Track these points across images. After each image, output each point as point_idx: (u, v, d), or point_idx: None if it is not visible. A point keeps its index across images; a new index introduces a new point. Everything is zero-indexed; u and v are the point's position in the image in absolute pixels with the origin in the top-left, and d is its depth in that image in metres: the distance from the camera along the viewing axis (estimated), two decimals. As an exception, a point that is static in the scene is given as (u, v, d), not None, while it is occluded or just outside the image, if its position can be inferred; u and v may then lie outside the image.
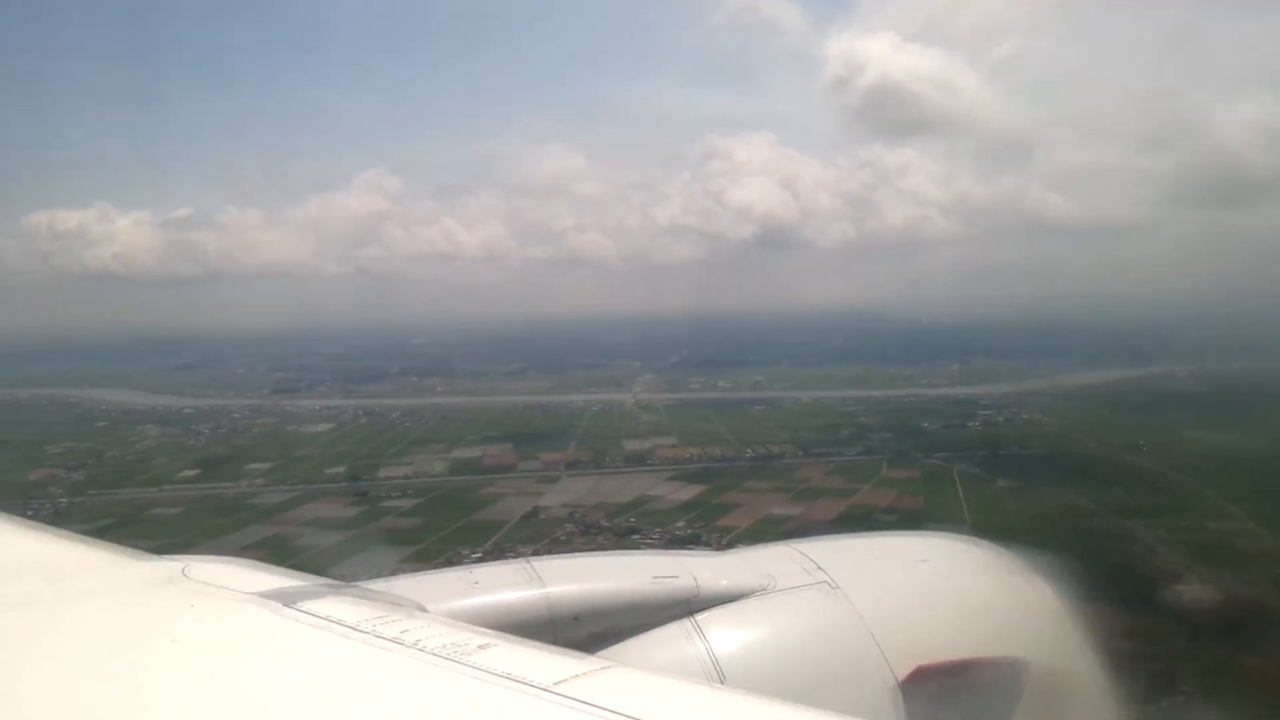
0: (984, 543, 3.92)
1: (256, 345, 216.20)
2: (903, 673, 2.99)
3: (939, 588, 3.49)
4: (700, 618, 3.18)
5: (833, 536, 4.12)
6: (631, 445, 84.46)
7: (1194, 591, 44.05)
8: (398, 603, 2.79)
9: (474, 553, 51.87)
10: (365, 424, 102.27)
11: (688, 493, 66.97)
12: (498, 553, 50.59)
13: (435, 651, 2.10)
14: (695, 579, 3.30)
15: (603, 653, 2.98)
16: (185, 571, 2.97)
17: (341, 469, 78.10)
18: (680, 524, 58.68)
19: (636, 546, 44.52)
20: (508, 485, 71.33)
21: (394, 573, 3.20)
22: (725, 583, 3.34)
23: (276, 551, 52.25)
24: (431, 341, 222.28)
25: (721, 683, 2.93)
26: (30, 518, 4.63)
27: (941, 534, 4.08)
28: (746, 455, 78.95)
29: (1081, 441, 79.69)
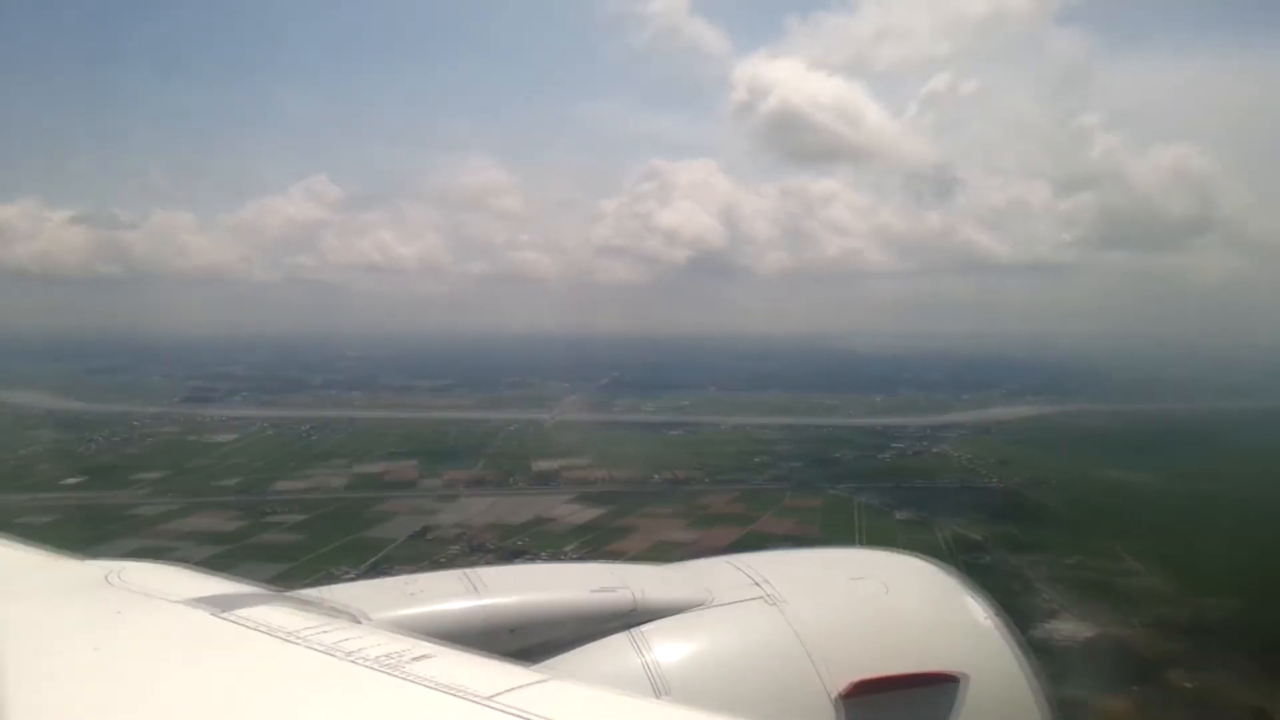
0: (923, 558, 3.89)
1: (180, 351, 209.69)
2: (839, 687, 2.93)
3: (878, 602, 3.44)
4: (640, 630, 3.12)
5: (773, 551, 4.14)
6: (540, 465, 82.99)
7: (1066, 629, 44.10)
8: (334, 611, 2.73)
9: (348, 573, 49.79)
10: (271, 436, 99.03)
11: (586, 515, 65.79)
12: (374, 574, 48.67)
13: (373, 662, 2.04)
14: (635, 591, 3.26)
15: (543, 664, 2.86)
16: (115, 575, 2.91)
17: (234, 481, 75.25)
18: (572, 547, 57.41)
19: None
20: (403, 503, 69.24)
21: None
22: (665, 595, 3.30)
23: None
24: (363, 354, 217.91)
25: (661, 696, 2.86)
26: None
27: (880, 550, 4.09)
28: (653, 480, 78.08)
29: (987, 476, 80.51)
